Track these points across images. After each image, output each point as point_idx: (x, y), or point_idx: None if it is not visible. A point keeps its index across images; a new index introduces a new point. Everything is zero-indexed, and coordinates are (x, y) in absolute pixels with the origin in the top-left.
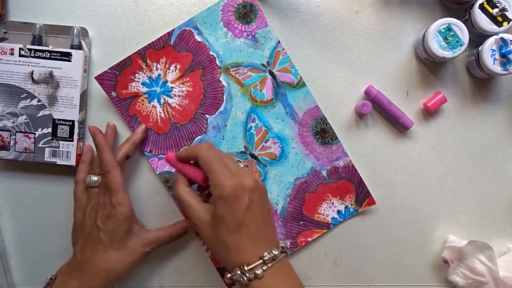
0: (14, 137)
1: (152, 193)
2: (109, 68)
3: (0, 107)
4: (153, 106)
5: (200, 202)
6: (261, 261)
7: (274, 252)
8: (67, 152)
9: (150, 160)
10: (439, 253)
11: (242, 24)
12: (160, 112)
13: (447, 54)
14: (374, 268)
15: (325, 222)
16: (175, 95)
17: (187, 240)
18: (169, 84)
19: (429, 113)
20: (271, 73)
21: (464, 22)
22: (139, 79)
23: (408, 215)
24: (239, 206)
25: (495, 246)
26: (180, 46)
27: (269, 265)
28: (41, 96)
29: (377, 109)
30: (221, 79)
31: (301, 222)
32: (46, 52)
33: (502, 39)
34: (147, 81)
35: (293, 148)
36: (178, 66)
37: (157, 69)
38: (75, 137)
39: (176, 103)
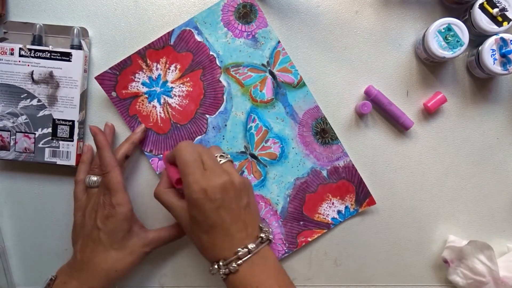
0: (14, 137)
1: (152, 193)
2: (109, 68)
3: (0, 107)
4: (153, 106)
5: (180, 201)
6: (235, 256)
7: (249, 246)
8: (67, 152)
9: (150, 160)
10: (439, 253)
11: (242, 24)
12: (160, 112)
13: (447, 54)
14: (374, 268)
15: (325, 222)
16: (175, 95)
17: (187, 240)
18: (169, 84)
19: (429, 113)
20: (271, 73)
21: (464, 22)
22: (139, 79)
23: (408, 215)
24: (209, 207)
25: (495, 246)
26: (180, 46)
27: (245, 258)
28: (41, 96)
29: (377, 109)
30: (221, 79)
31: (301, 222)
32: (46, 52)
33: (502, 39)
34: (147, 81)
35: (293, 148)
36: (178, 66)
37: (157, 69)
38: (75, 137)
39: (176, 103)
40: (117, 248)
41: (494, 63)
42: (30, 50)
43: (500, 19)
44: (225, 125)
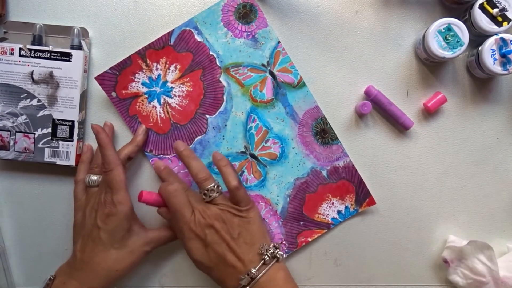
0: (14, 137)
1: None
2: (109, 68)
3: (0, 107)
4: (153, 106)
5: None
6: (241, 285)
7: (252, 270)
8: (67, 152)
9: (150, 160)
10: (439, 253)
11: (242, 24)
12: (160, 112)
13: (447, 54)
14: (374, 268)
15: (325, 222)
16: (175, 95)
17: None
18: (169, 84)
19: (429, 113)
20: (271, 73)
21: (464, 22)
22: (139, 79)
23: (408, 215)
24: (201, 245)
25: (495, 246)
26: (180, 46)
27: (250, 286)
28: (41, 96)
29: (377, 109)
30: (221, 79)
31: (301, 222)
32: (46, 52)
33: (502, 39)
34: (147, 81)
35: (293, 148)
36: (178, 66)
37: (157, 69)
38: (75, 137)
39: (176, 103)
40: (117, 248)
41: (494, 63)
42: (30, 50)
43: (500, 19)
44: (225, 125)
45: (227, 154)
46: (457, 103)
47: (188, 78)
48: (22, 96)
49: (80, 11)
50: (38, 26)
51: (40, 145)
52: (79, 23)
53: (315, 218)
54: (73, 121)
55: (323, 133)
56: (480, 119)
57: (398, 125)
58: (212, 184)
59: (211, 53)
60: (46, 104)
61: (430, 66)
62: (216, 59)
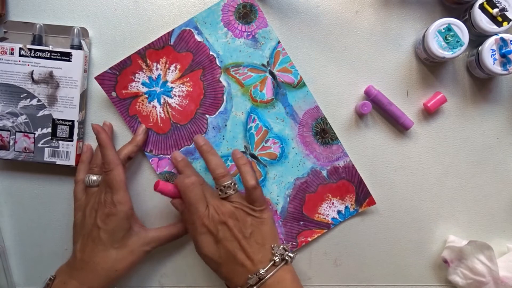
0: (14, 136)
1: (152, 193)
2: (109, 68)
3: (0, 107)
4: (153, 106)
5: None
6: (248, 285)
7: (261, 271)
8: (67, 152)
9: (150, 160)
10: (439, 253)
11: (242, 24)
12: (160, 112)
13: (447, 54)
14: (374, 268)
15: (325, 222)
16: (175, 95)
17: (187, 240)
18: (169, 84)
19: (429, 113)
20: (271, 73)
21: (464, 22)
22: (139, 79)
23: (408, 215)
24: (213, 240)
25: (495, 246)
26: (180, 46)
27: (257, 286)
28: (41, 96)
29: (377, 109)
30: (221, 79)
31: (301, 222)
32: (46, 52)
33: (502, 39)
34: (147, 81)
35: (293, 148)
36: (178, 66)
37: (157, 69)
38: (75, 137)
39: (176, 103)
40: (117, 247)
41: (494, 63)
42: (30, 50)
43: (500, 19)
44: (225, 125)
45: (227, 154)
46: (457, 103)
47: (188, 78)
48: (22, 96)
49: (80, 11)
50: (38, 26)
51: (40, 145)
52: (79, 23)
53: (315, 218)
54: (73, 121)
55: (323, 133)
56: (480, 119)
57: (398, 125)
58: (229, 181)
59: (211, 53)
60: (46, 104)
61: (430, 66)
62: (216, 59)
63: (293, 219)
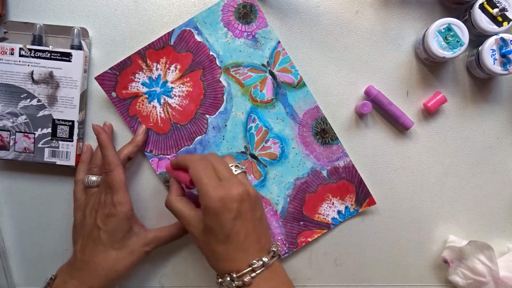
0: (14, 137)
1: (152, 193)
2: (109, 69)
3: (0, 107)
4: (153, 106)
5: (193, 210)
6: (250, 268)
7: (264, 259)
8: (67, 152)
9: (150, 160)
10: (439, 253)
11: (242, 24)
12: (160, 112)
13: (447, 54)
14: (374, 268)
15: (325, 222)
16: (175, 95)
17: (187, 240)
18: (169, 84)
19: (429, 113)
20: (271, 73)
21: (464, 22)
22: (139, 79)
23: (408, 215)
24: (226, 217)
25: (495, 246)
26: (180, 46)
27: (258, 271)
28: (41, 96)
29: (377, 109)
30: (221, 79)
31: (301, 222)
32: (46, 52)
33: (502, 39)
34: (147, 81)
35: (293, 148)
36: (178, 66)
37: (157, 69)
38: (75, 137)
39: (176, 103)
40: (117, 248)
41: (494, 63)
42: (30, 50)
43: (500, 19)
44: (225, 125)
45: (227, 154)
46: (457, 103)
47: (188, 78)
48: (22, 96)
49: (80, 11)
50: (38, 26)
51: (40, 145)
52: (79, 23)
53: (315, 218)
54: (73, 121)
55: (323, 133)
56: (480, 119)
57: (398, 125)
58: (238, 161)
59: (211, 53)
60: (46, 104)
61: (430, 66)
62: (216, 59)
63: (293, 219)
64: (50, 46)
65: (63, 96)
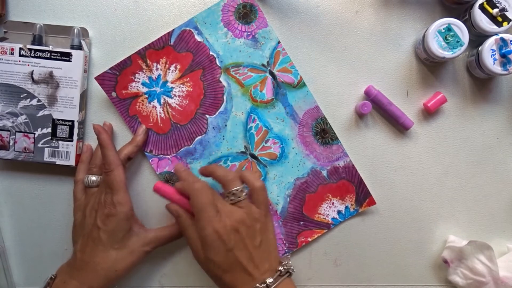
0: (14, 136)
1: (152, 193)
2: (109, 69)
3: (0, 107)
4: (153, 106)
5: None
6: None
7: (268, 281)
8: (67, 152)
9: (150, 160)
10: (439, 253)
11: (242, 24)
12: (160, 112)
13: (447, 54)
14: (374, 268)
15: (325, 222)
16: (175, 95)
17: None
18: (169, 84)
19: (429, 113)
20: (271, 73)
21: (464, 22)
22: (139, 79)
23: (408, 215)
24: (221, 249)
25: (495, 246)
26: (180, 46)
27: None
28: (41, 96)
29: (377, 109)
30: (221, 79)
31: (301, 222)
32: (46, 52)
33: (502, 39)
34: (147, 81)
35: (293, 148)
36: (178, 66)
37: (157, 69)
38: (75, 137)
39: (176, 103)
40: (117, 248)
41: (494, 63)
42: (30, 50)
43: (500, 19)
44: (225, 125)
45: (227, 154)
46: (457, 103)
47: (188, 78)
48: (22, 96)
49: (80, 11)
50: (38, 26)
51: (40, 145)
52: (79, 23)
53: (315, 218)
54: (73, 121)
55: (323, 133)
56: (480, 119)
57: (398, 125)
58: (240, 186)
59: (211, 53)
60: (46, 104)
61: (430, 66)
62: (216, 59)
63: (293, 219)
64: (50, 46)
65: (63, 96)
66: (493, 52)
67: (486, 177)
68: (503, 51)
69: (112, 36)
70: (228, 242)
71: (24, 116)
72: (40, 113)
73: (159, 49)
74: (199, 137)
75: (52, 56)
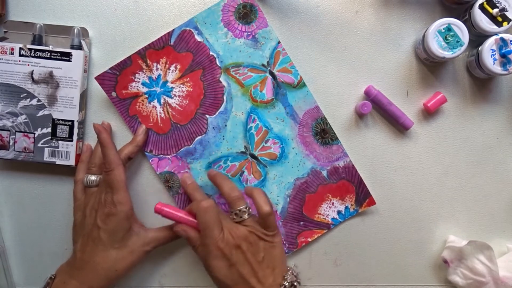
0: (14, 136)
1: (152, 193)
2: (109, 68)
3: (0, 107)
4: (153, 106)
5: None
6: None
7: None
8: (67, 152)
9: (150, 160)
10: (439, 253)
11: (242, 24)
12: (160, 112)
13: (447, 54)
14: (374, 268)
15: (325, 223)
16: (175, 95)
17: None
18: (169, 84)
19: (429, 113)
20: (271, 73)
21: (464, 22)
22: (139, 79)
23: (408, 215)
24: (223, 264)
25: (495, 246)
26: (180, 46)
27: None
28: (41, 96)
29: (377, 109)
30: (221, 79)
31: (301, 223)
32: (46, 52)
33: (502, 39)
34: (147, 81)
35: (293, 148)
36: (178, 66)
37: (157, 69)
38: (75, 137)
39: (176, 103)
40: (117, 248)
41: (494, 63)
42: (30, 49)
43: (500, 19)
44: (225, 125)
45: (227, 154)
46: (457, 103)
47: (188, 78)
48: (22, 96)
49: (80, 11)
50: (38, 26)
51: (39, 145)
52: (79, 23)
53: (315, 218)
54: (72, 121)
55: (323, 133)
56: (480, 119)
57: (398, 125)
58: (244, 205)
59: (211, 53)
60: (46, 104)
61: (430, 66)
62: (216, 59)
63: (293, 220)
64: (50, 46)
65: (63, 96)
66: (493, 52)
67: (486, 177)
68: (503, 51)
69: (112, 36)
70: (230, 257)
71: (24, 116)
72: (40, 113)
73: (159, 49)
74: (199, 137)
75: (52, 56)
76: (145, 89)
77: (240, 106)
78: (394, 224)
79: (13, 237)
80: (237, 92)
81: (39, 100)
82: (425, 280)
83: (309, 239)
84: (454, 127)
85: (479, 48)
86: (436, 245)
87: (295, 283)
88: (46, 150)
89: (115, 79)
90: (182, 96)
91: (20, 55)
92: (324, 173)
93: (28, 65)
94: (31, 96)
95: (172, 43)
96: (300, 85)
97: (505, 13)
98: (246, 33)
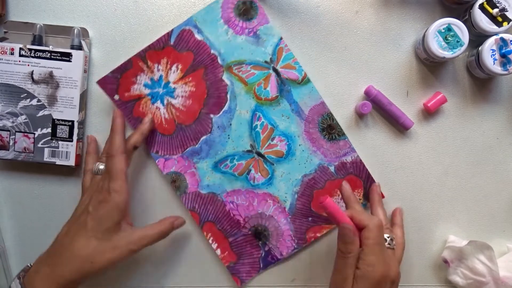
0: (14, 136)
1: (155, 193)
2: (110, 72)
3: (0, 107)
4: (157, 107)
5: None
6: None
7: None
8: (67, 152)
9: (156, 161)
10: (439, 253)
11: (243, 21)
12: (164, 113)
13: (447, 54)
14: None
15: None
16: (178, 95)
17: (188, 240)
18: (172, 85)
19: (429, 113)
20: (275, 70)
21: (464, 22)
22: (141, 81)
23: (408, 215)
24: None
25: (495, 246)
26: (180, 46)
27: None
28: (41, 96)
29: (377, 109)
30: (224, 78)
31: (309, 218)
32: (46, 52)
33: (502, 39)
34: (149, 82)
35: (300, 145)
36: (180, 66)
37: (158, 70)
38: (75, 137)
39: (180, 104)
40: (100, 238)
41: (494, 63)
42: (30, 50)
43: (500, 19)
44: (230, 124)
45: (233, 153)
46: (457, 103)
47: (190, 78)
48: (22, 96)
49: (80, 11)
50: (38, 26)
51: (39, 145)
52: (79, 23)
53: (324, 214)
54: (72, 121)
55: (330, 129)
56: (480, 119)
57: (398, 125)
58: (390, 234)
59: (212, 51)
60: (46, 104)
61: (430, 66)
62: (218, 57)
63: (302, 216)
64: (50, 46)
65: (63, 96)
66: (493, 52)
67: (486, 177)
68: (503, 51)
69: (112, 36)
70: (385, 285)
71: (24, 116)
72: (40, 113)
73: (160, 49)
74: (205, 137)
75: (52, 56)
76: (147, 91)
77: (244, 104)
78: None
79: (13, 237)
80: (240, 90)
81: (39, 100)
82: (425, 280)
83: (318, 234)
84: (454, 127)
85: (479, 48)
86: (436, 245)
87: None
88: (46, 150)
89: (117, 82)
90: (185, 97)
91: (20, 55)
92: (332, 168)
93: (28, 65)
94: (31, 96)
95: (172, 43)
96: (305, 81)
97: (505, 13)
98: (247, 29)
